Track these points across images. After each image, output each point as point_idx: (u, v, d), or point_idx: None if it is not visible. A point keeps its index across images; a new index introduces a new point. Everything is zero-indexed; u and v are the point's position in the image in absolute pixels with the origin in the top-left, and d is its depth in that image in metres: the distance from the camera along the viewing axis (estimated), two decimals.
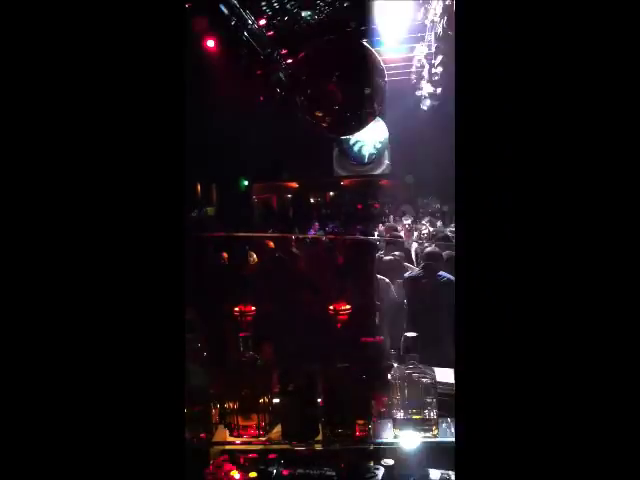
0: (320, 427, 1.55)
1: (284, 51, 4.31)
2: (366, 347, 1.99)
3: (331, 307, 2.88)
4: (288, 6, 3.97)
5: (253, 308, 2.93)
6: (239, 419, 1.59)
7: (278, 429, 1.58)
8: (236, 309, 2.92)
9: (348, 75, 3.40)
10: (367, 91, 3.58)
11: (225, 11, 3.76)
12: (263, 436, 1.55)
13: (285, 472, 1.28)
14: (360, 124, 3.35)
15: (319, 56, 3.68)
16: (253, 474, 1.27)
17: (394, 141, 5.67)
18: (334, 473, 1.25)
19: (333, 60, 3.61)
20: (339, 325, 2.83)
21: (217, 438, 1.60)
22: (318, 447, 1.48)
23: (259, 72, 4.30)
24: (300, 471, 1.28)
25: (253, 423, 1.57)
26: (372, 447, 1.44)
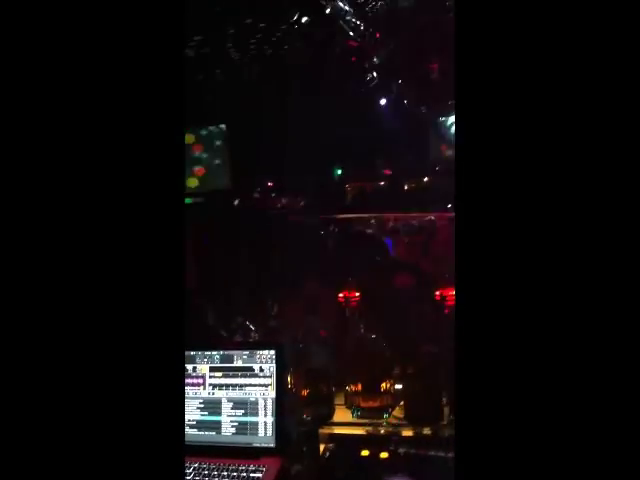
0: (444, 411, 1.52)
1: (378, 35, 4.24)
2: None
3: (437, 293, 2.83)
4: None
5: (357, 294, 2.95)
6: (361, 400, 1.59)
7: (400, 410, 1.57)
8: (340, 295, 2.95)
9: (447, 54, 3.28)
10: None
11: None
12: (386, 418, 1.55)
13: (416, 454, 1.27)
14: None
15: (417, 36, 3.59)
16: (384, 454, 1.27)
17: None
18: None
19: (432, 39, 3.50)
20: (447, 311, 2.77)
21: (338, 419, 1.62)
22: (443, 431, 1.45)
23: (354, 58, 4.26)
24: (431, 453, 1.26)
25: (375, 405, 1.57)
26: None
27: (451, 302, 2.80)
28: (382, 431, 1.51)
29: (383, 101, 5.68)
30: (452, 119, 5.46)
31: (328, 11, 4.00)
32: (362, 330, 1.55)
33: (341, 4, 4.00)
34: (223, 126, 4.32)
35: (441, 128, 5.56)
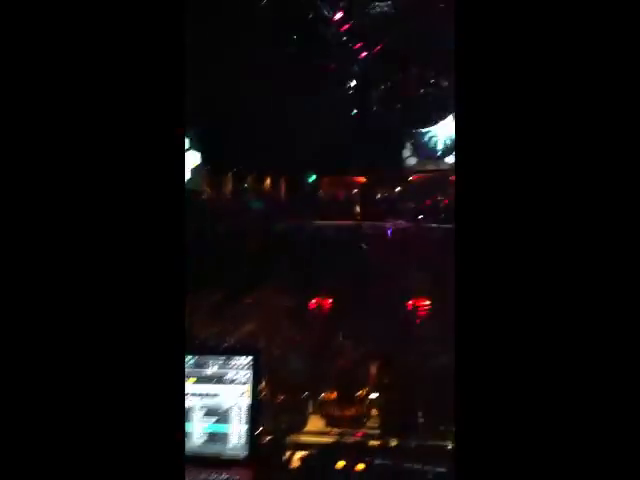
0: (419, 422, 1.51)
1: (359, 45, 4.27)
2: None
3: (410, 302, 2.83)
4: None
5: (330, 301, 2.93)
6: (335, 409, 1.57)
7: (376, 421, 1.56)
8: (313, 301, 2.92)
9: (429, 64, 3.32)
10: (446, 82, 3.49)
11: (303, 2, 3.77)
12: (361, 428, 1.53)
13: (393, 465, 1.25)
14: (439, 116, 3.27)
15: (398, 45, 3.61)
16: (361, 466, 1.25)
17: None
18: (444, 469, 1.21)
19: (413, 49, 3.53)
20: (418, 321, 2.78)
21: (311, 428, 1.60)
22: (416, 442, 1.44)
23: (333, 66, 4.27)
24: (408, 465, 1.24)
25: (350, 414, 1.55)
26: None
27: (423, 312, 2.81)
28: (355, 441, 1.49)
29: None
30: (427, 130, 5.55)
31: (310, 16, 4.00)
32: (340, 338, 1.53)
33: (323, 9, 4.00)
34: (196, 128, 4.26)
35: (417, 139, 5.63)
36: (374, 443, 1.48)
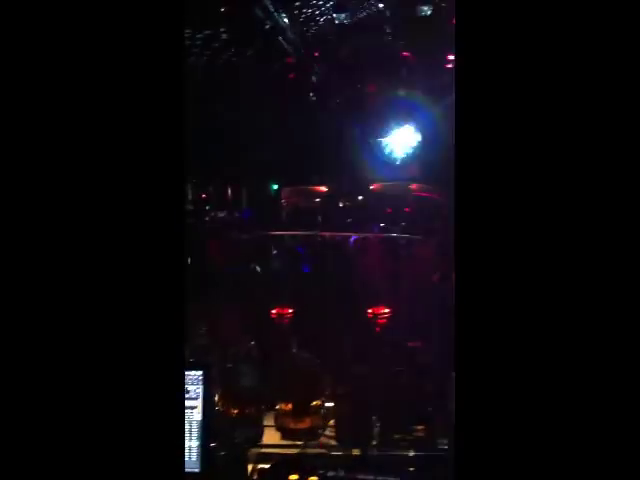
0: (375, 432, 1.51)
1: (317, 54, 4.30)
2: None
3: (370, 311, 2.83)
4: (323, 9, 3.97)
5: (290, 310, 2.91)
6: (291, 421, 1.56)
7: (331, 432, 1.55)
8: (274, 311, 2.89)
9: (383, 76, 3.39)
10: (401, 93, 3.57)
11: (260, 14, 3.77)
12: (316, 439, 1.52)
13: (346, 477, 1.24)
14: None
15: (356, 58, 3.67)
16: (313, 478, 1.23)
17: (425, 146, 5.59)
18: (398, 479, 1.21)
19: (369, 62, 3.59)
20: (378, 329, 2.78)
21: (267, 440, 1.57)
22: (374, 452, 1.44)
23: (292, 76, 4.29)
24: (361, 477, 1.23)
25: (305, 426, 1.54)
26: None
27: (382, 320, 2.81)
28: (312, 453, 1.48)
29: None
30: (384, 142, 5.64)
31: (267, 27, 4.01)
32: (294, 349, 1.52)
33: (281, 20, 4.02)
34: None
35: (376, 149, 5.69)
36: (333, 454, 1.47)
